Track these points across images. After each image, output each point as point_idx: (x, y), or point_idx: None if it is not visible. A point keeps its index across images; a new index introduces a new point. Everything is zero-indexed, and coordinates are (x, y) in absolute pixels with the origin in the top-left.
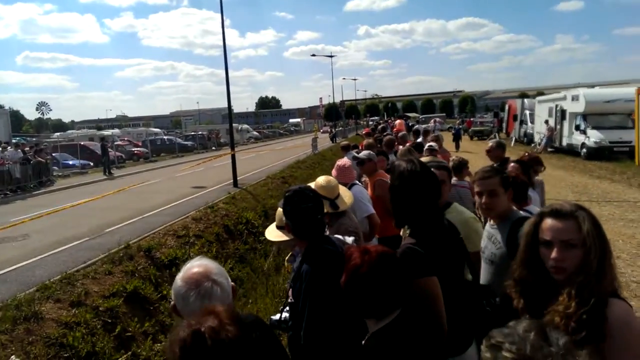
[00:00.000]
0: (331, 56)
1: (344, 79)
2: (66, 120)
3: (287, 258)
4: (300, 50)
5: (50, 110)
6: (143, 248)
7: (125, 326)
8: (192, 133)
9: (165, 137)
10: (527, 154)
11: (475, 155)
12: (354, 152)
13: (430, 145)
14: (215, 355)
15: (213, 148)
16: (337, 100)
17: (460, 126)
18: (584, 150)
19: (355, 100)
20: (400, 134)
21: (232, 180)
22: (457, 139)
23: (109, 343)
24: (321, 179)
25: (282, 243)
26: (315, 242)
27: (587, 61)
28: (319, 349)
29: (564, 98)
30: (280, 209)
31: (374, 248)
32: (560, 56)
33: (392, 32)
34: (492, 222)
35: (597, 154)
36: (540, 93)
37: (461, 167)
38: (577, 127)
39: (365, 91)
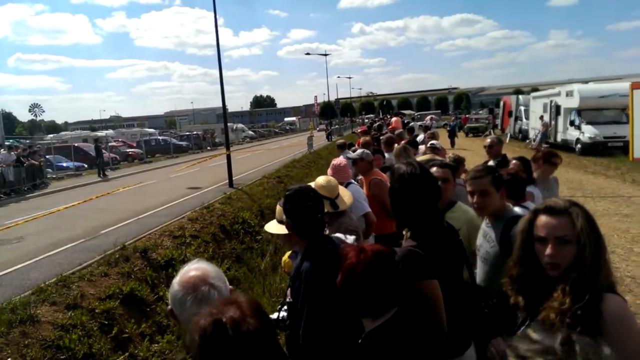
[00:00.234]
0: (325, 54)
1: (338, 77)
2: (59, 121)
3: (289, 254)
4: (295, 49)
5: (43, 111)
6: (139, 249)
7: (122, 327)
8: (187, 133)
9: (160, 138)
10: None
11: (471, 152)
12: (349, 152)
13: (433, 144)
14: (235, 347)
15: (208, 148)
16: (332, 98)
17: (455, 123)
18: (579, 145)
19: (350, 98)
20: (396, 132)
21: (227, 181)
22: (452, 135)
23: (106, 345)
24: (321, 179)
25: (283, 237)
26: (315, 241)
27: (581, 57)
28: (318, 348)
29: (559, 94)
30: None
31: (370, 247)
32: (555, 52)
33: (387, 30)
34: (487, 220)
35: (592, 149)
36: (535, 89)
37: (457, 165)
38: (572, 123)
39: (360, 89)
